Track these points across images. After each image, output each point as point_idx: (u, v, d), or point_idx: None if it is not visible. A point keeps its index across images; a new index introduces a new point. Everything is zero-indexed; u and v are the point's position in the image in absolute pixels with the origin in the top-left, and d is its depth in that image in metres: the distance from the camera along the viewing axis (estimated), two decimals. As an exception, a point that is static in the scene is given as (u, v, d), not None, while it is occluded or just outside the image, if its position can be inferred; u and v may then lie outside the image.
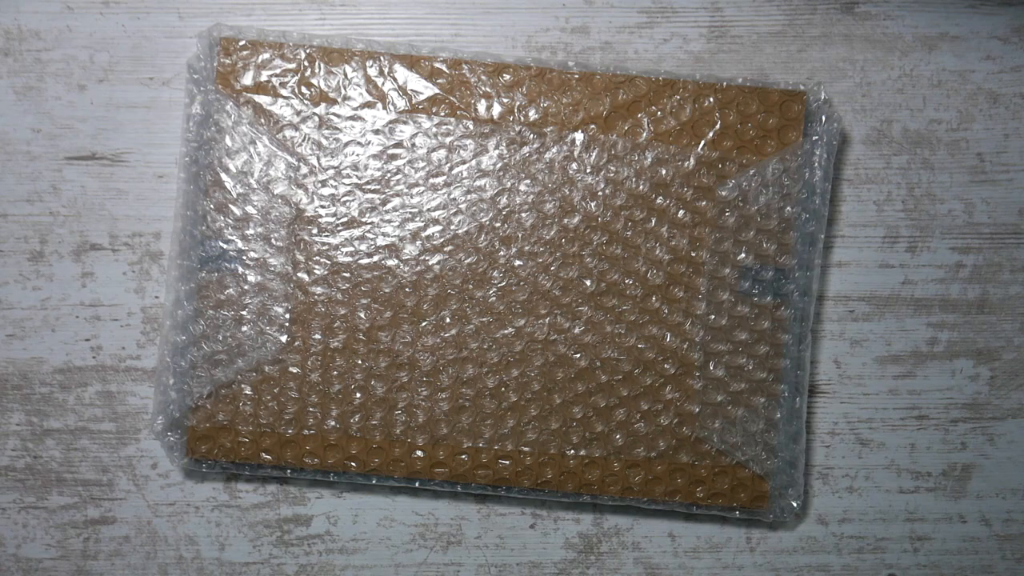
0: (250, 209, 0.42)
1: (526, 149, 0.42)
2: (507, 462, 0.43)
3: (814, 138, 0.42)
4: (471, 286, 0.42)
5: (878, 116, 0.44)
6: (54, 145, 0.44)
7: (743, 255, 0.42)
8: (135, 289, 0.44)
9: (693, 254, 0.42)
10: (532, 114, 0.42)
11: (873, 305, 0.45)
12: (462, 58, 0.42)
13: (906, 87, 0.44)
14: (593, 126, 0.42)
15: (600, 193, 0.42)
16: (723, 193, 0.42)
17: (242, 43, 0.42)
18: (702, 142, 0.42)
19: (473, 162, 0.42)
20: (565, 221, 0.42)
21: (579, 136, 0.42)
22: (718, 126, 0.42)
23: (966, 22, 0.44)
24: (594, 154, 0.42)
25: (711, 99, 0.42)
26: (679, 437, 0.42)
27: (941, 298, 0.45)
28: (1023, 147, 0.45)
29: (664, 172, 0.42)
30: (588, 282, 0.42)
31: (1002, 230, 0.45)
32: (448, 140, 0.42)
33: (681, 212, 0.42)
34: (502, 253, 0.42)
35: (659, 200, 0.42)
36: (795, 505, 0.42)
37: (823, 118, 0.42)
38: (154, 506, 0.45)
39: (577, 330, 0.42)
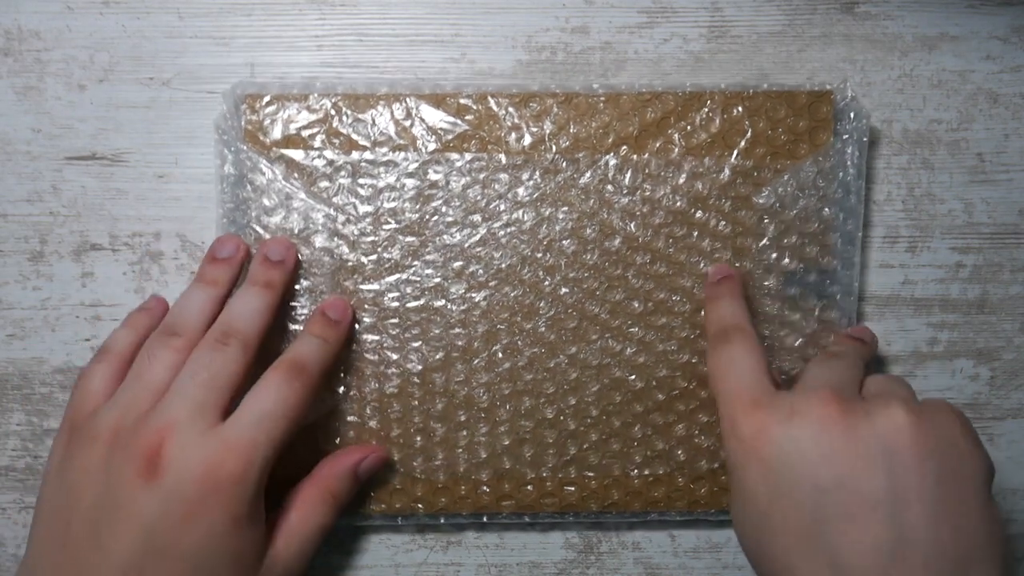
0: None
1: (560, 177, 0.42)
2: (572, 488, 0.43)
3: (844, 136, 0.42)
4: (520, 319, 0.42)
5: (878, 116, 0.44)
6: (54, 145, 0.44)
7: (786, 260, 0.42)
8: (135, 289, 0.44)
9: (737, 264, 0.42)
10: (563, 141, 0.42)
11: (873, 305, 0.45)
12: (487, 91, 0.42)
13: (906, 87, 0.44)
14: (625, 147, 0.42)
15: (638, 213, 0.42)
16: (760, 201, 0.42)
17: (267, 99, 0.42)
18: (735, 152, 0.42)
19: (509, 195, 0.42)
20: (606, 244, 0.42)
21: (611, 159, 0.42)
22: (749, 134, 0.42)
23: (966, 22, 0.44)
24: (628, 175, 0.42)
25: (739, 108, 0.42)
26: None
27: (941, 298, 0.45)
28: (1023, 147, 0.45)
29: (700, 186, 0.42)
30: (636, 303, 0.42)
31: (1002, 230, 0.45)
32: (482, 176, 0.42)
33: (721, 224, 0.42)
34: (547, 283, 0.42)
35: (698, 214, 0.42)
36: None
37: (851, 115, 0.42)
38: (154, 506, 0.45)
39: (629, 351, 0.43)
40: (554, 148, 0.42)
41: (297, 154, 0.42)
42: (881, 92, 0.44)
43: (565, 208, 0.42)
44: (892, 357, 0.45)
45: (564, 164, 0.42)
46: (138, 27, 0.44)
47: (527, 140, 0.42)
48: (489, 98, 0.42)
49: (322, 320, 0.41)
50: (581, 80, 0.44)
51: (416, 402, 0.42)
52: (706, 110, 0.42)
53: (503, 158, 0.42)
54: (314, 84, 0.42)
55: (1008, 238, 0.45)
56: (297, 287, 0.42)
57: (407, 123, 0.42)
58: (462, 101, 0.42)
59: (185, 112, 0.44)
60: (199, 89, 0.44)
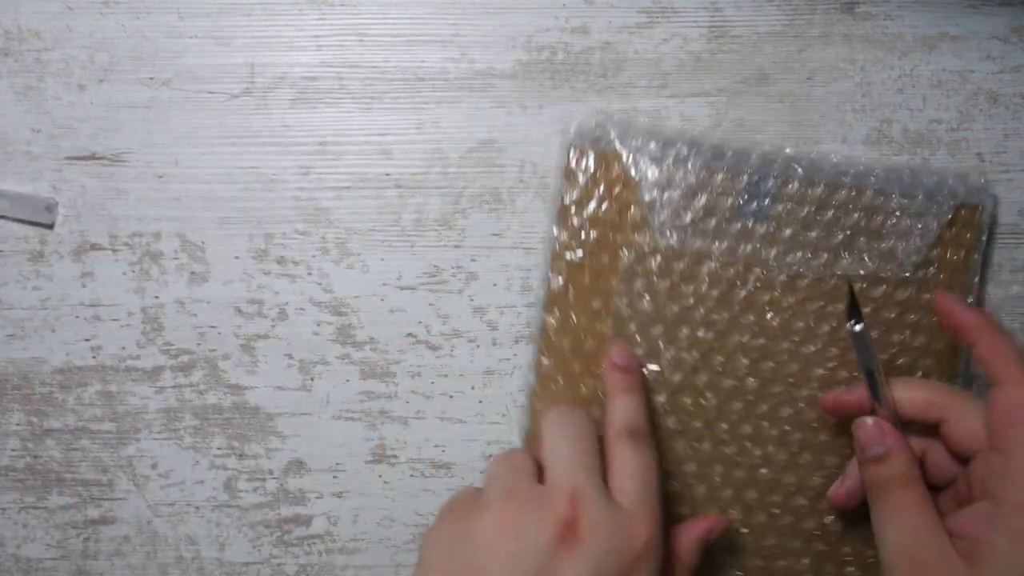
0: None
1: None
2: None
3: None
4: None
5: (878, 116, 0.44)
6: (54, 145, 0.44)
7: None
8: (135, 289, 0.44)
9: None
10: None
11: (873, 305, 0.45)
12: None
13: (906, 87, 0.44)
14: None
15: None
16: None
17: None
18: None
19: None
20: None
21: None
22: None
23: (966, 22, 0.44)
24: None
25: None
26: None
27: (941, 298, 0.45)
28: (1023, 147, 0.45)
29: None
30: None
31: (1002, 230, 0.45)
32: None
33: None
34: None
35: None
36: None
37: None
38: (154, 506, 0.45)
39: None
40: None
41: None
42: (881, 92, 0.44)
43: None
44: (892, 357, 0.45)
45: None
46: (138, 27, 0.44)
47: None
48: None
49: (615, 373, 0.40)
50: (581, 80, 0.44)
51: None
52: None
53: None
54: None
55: (1008, 238, 0.45)
56: None
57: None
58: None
59: (185, 112, 0.44)
60: (199, 89, 0.44)
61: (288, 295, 0.45)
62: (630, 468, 0.36)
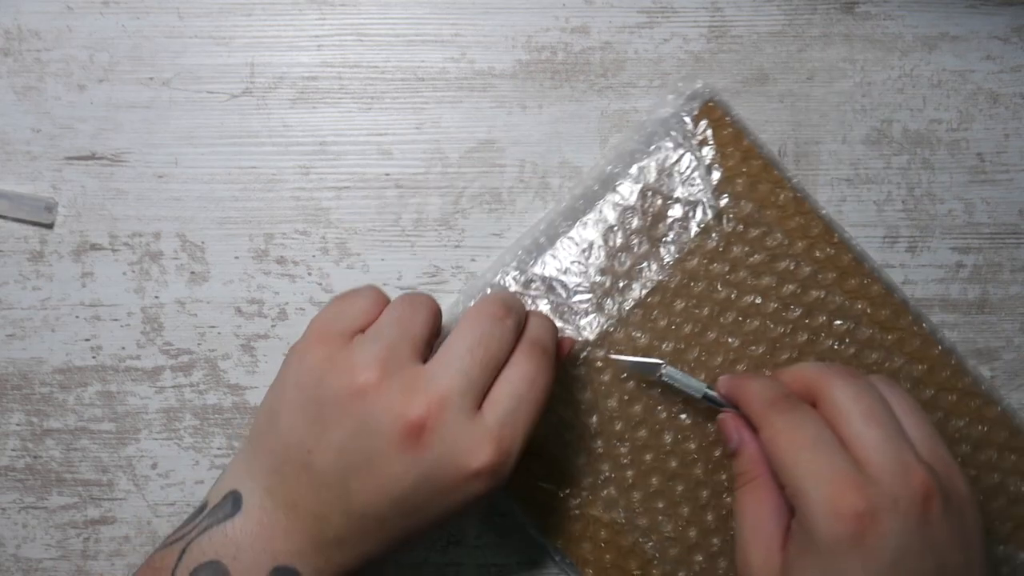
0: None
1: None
2: None
3: None
4: None
5: (878, 116, 0.44)
6: (54, 145, 0.44)
7: None
8: (135, 289, 0.44)
9: None
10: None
11: (873, 305, 0.45)
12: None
13: (906, 87, 0.44)
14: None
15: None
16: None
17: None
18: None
19: None
20: None
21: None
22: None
23: (966, 22, 0.44)
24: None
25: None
26: None
27: (941, 298, 0.45)
28: (1023, 147, 0.45)
29: None
30: None
31: (1002, 230, 0.45)
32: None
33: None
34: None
35: None
36: None
37: None
38: (154, 506, 0.45)
39: None
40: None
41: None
42: (881, 92, 0.44)
43: None
44: (892, 357, 0.45)
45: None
46: (138, 27, 0.44)
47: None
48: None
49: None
50: (582, 80, 0.44)
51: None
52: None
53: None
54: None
55: (1008, 238, 0.45)
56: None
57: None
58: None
59: (185, 112, 0.44)
60: (199, 89, 0.44)
61: (288, 295, 0.45)
62: (513, 381, 0.36)
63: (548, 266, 0.44)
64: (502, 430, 0.34)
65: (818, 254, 0.43)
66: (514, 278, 0.44)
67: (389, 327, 0.36)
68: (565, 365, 0.43)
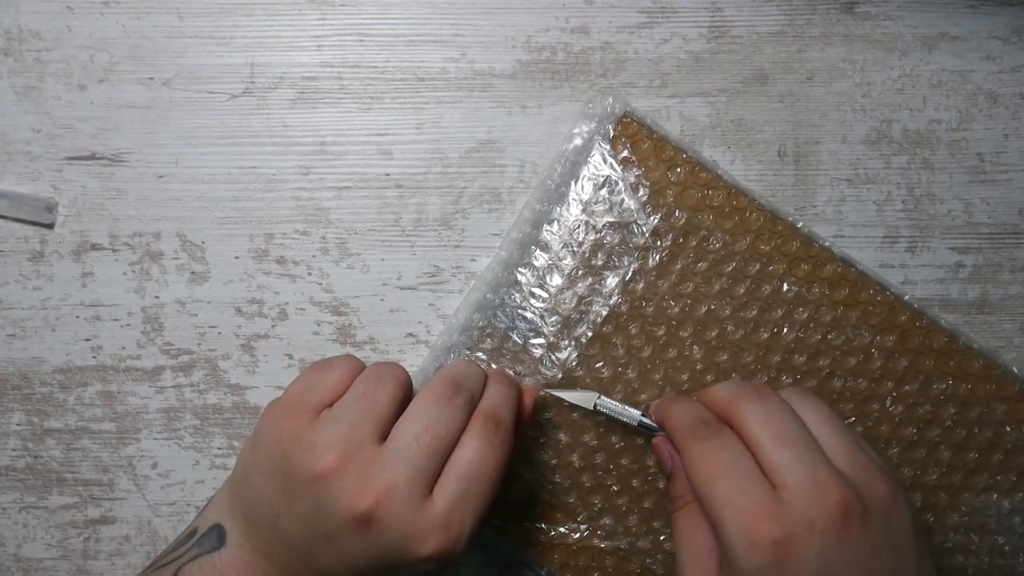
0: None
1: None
2: None
3: None
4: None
5: (878, 116, 0.44)
6: (54, 145, 0.44)
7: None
8: (135, 289, 0.44)
9: None
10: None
11: (873, 305, 0.45)
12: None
13: (906, 87, 0.44)
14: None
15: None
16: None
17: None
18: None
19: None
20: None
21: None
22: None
23: (966, 22, 0.44)
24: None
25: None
26: None
27: (941, 298, 0.45)
28: (1023, 147, 0.45)
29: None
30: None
31: (1002, 230, 0.45)
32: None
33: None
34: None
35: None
36: None
37: None
38: (154, 506, 0.45)
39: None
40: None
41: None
42: (881, 92, 0.44)
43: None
44: (892, 357, 0.45)
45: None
46: (138, 27, 0.44)
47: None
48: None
49: (501, 372, 0.41)
50: (582, 80, 0.44)
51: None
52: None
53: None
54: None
55: (1008, 238, 0.45)
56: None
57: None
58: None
59: (185, 112, 0.44)
60: (199, 89, 0.44)
61: (288, 295, 0.45)
62: (463, 464, 0.36)
63: (500, 316, 0.43)
64: (450, 516, 0.35)
65: (763, 246, 0.43)
66: (465, 341, 0.43)
67: (353, 405, 0.36)
68: (536, 412, 0.43)
